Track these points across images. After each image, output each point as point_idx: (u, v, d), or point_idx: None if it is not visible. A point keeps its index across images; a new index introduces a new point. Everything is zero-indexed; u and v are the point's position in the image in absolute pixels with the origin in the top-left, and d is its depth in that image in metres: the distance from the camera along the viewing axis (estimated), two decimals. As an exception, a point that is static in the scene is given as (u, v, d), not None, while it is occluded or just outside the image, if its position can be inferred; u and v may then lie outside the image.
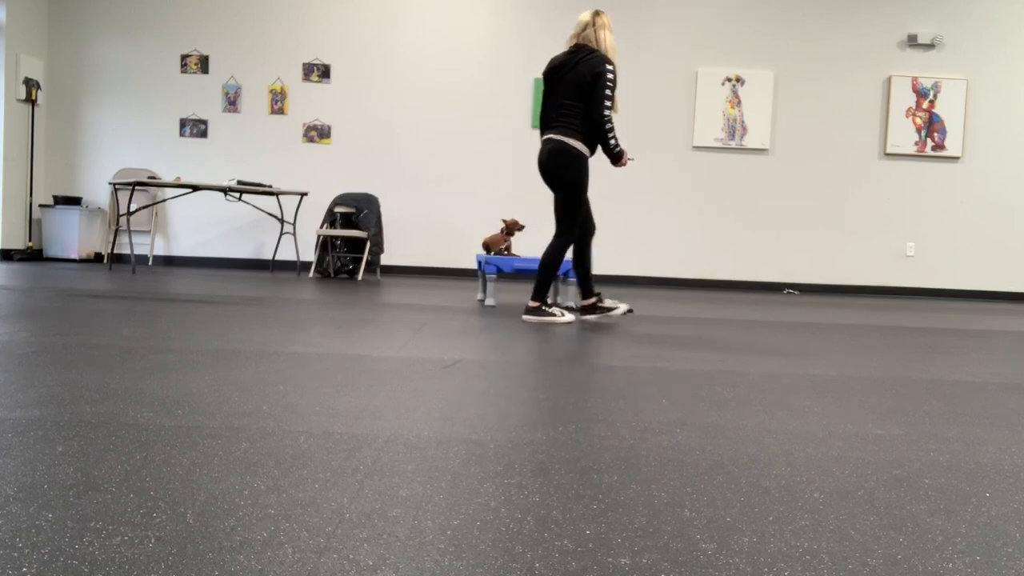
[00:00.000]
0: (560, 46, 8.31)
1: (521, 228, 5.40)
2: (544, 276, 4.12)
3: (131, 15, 8.43)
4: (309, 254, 8.29)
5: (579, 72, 3.97)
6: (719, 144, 8.43)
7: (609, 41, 4.07)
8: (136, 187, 6.76)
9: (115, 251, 8.35)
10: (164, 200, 7.48)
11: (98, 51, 8.45)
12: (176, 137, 8.46)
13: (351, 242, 7.63)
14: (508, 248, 5.32)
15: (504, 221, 5.37)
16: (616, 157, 4.09)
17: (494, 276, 4.98)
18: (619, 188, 8.46)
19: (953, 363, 3.18)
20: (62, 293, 4.62)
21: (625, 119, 8.45)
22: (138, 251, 8.49)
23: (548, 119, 4.14)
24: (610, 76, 3.96)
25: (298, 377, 2.29)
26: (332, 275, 7.63)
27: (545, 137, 4.16)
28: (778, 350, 3.37)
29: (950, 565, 1.10)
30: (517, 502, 1.29)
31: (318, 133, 8.44)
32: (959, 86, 8.44)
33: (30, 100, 8.15)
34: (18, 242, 8.19)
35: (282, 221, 7.94)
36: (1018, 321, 5.59)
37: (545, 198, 8.45)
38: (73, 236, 8.15)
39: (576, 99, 3.99)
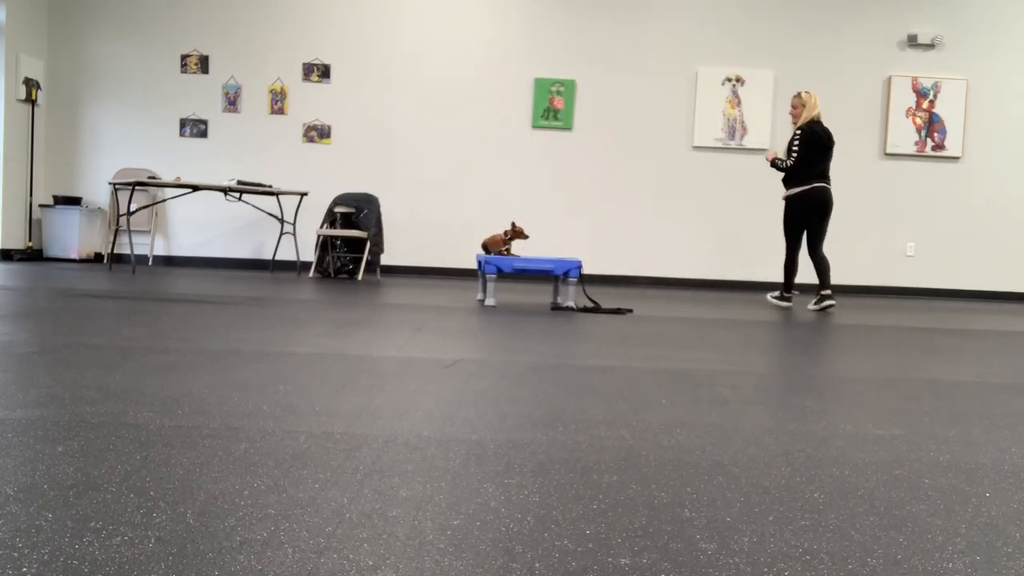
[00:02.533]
0: (559, 46, 8.33)
1: (526, 237, 5.42)
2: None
3: (131, 15, 8.43)
4: (309, 254, 8.29)
5: (833, 143, 5.95)
6: (719, 144, 8.43)
7: None
8: (136, 187, 6.76)
9: (115, 251, 8.35)
10: (164, 200, 7.48)
11: (98, 51, 8.45)
12: (176, 137, 8.46)
13: (351, 242, 7.63)
14: (507, 249, 5.32)
15: (513, 225, 5.37)
16: None
17: (494, 276, 4.98)
18: (619, 188, 8.46)
19: (953, 363, 3.19)
20: (62, 293, 4.62)
21: (625, 119, 8.46)
22: (138, 251, 8.49)
23: (817, 171, 5.90)
24: None
25: (298, 377, 2.29)
26: (332, 275, 7.63)
27: (820, 186, 5.90)
28: (778, 350, 3.37)
29: (950, 565, 1.10)
30: (517, 502, 1.29)
31: (318, 133, 8.44)
32: (959, 86, 8.44)
33: (30, 100, 8.15)
34: (18, 242, 8.19)
35: (282, 221, 7.95)
36: (1018, 321, 5.59)
37: (545, 199, 8.45)
38: (73, 236, 8.15)
39: (829, 160, 5.99)
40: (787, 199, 5.98)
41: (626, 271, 8.50)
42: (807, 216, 5.89)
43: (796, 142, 5.85)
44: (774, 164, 5.96)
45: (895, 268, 8.57)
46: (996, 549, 1.17)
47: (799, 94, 6.02)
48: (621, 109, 8.44)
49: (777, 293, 6.15)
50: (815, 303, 5.85)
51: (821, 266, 5.85)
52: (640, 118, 8.45)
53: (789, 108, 6.34)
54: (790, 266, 6.05)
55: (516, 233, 5.35)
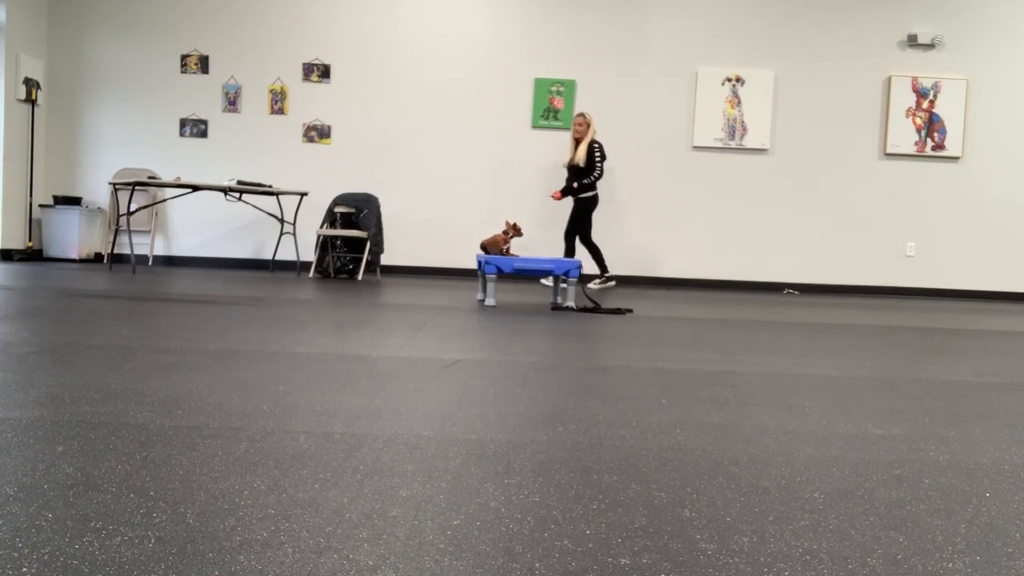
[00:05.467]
0: (559, 46, 8.33)
1: (520, 234, 5.42)
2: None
3: (131, 15, 8.43)
4: (309, 254, 8.29)
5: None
6: (719, 144, 8.43)
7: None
8: (136, 187, 6.76)
9: (115, 251, 8.35)
10: (164, 200, 7.49)
11: (98, 51, 8.45)
12: (176, 137, 8.46)
13: (351, 242, 7.63)
14: (507, 249, 5.32)
15: (507, 223, 5.38)
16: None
17: (494, 276, 4.98)
18: (619, 188, 8.46)
19: (953, 363, 3.19)
20: (62, 293, 4.62)
21: (625, 119, 8.46)
22: (138, 251, 8.49)
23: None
24: None
25: (298, 377, 2.29)
26: (332, 275, 7.63)
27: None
28: (778, 350, 3.37)
29: (950, 565, 1.10)
30: (517, 502, 1.29)
31: (318, 133, 8.43)
32: (959, 86, 8.44)
33: (30, 100, 8.15)
34: (18, 242, 8.19)
35: (282, 221, 7.94)
36: (1018, 321, 5.59)
37: (545, 199, 8.46)
38: (73, 236, 8.15)
39: None
40: (586, 200, 7.31)
41: (626, 271, 8.50)
42: (592, 213, 7.43)
43: (598, 154, 7.23)
44: (582, 184, 7.21)
45: (895, 268, 8.57)
46: (996, 549, 1.17)
47: (583, 114, 7.31)
48: (621, 109, 8.44)
49: (602, 278, 7.53)
50: (599, 282, 7.50)
51: (598, 251, 7.44)
52: (640, 118, 8.45)
53: (574, 125, 7.34)
54: (595, 250, 7.46)
55: (515, 230, 5.36)
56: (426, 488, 1.34)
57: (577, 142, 7.31)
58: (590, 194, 7.30)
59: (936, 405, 2.28)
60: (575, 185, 7.24)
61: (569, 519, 1.22)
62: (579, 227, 7.36)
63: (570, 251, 7.43)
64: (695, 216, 8.51)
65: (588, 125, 7.26)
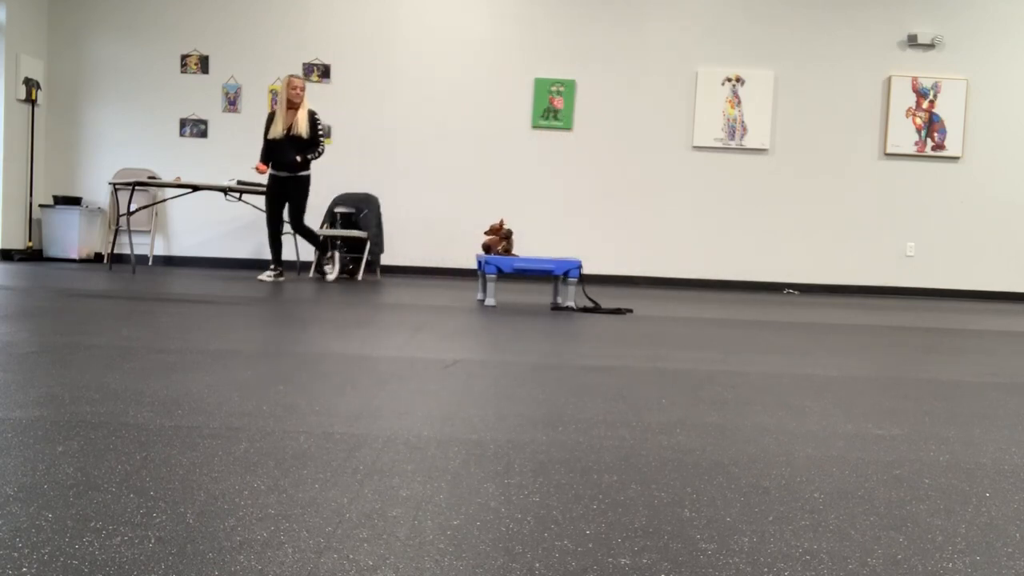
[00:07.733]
0: (559, 46, 8.33)
1: (508, 234, 5.35)
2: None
3: (131, 15, 8.42)
4: (309, 254, 8.29)
5: None
6: (719, 144, 8.43)
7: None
8: (136, 187, 6.76)
9: (115, 251, 8.35)
10: (164, 200, 7.48)
11: (98, 51, 8.45)
12: (176, 137, 8.46)
13: (351, 242, 7.63)
14: (508, 249, 5.32)
15: (494, 228, 5.31)
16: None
17: (494, 276, 4.98)
18: (619, 188, 8.46)
19: (953, 363, 3.18)
20: (62, 293, 4.62)
21: (625, 119, 8.45)
22: (138, 251, 8.49)
23: None
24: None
25: (298, 377, 2.28)
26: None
27: None
28: (778, 350, 3.37)
29: (950, 565, 1.10)
30: (517, 502, 1.29)
31: (318, 133, 8.43)
32: (959, 86, 8.44)
33: (30, 100, 8.15)
34: (18, 242, 8.19)
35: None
36: (1018, 321, 5.59)
37: (545, 199, 8.46)
38: (73, 236, 8.14)
39: None
40: (309, 177, 6.51)
41: (626, 271, 8.50)
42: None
43: (321, 128, 6.43)
44: (307, 159, 6.33)
45: (895, 268, 8.57)
46: (996, 549, 1.17)
47: (300, 76, 6.45)
48: (621, 109, 8.44)
49: (278, 271, 6.57)
50: (280, 275, 6.54)
51: (312, 238, 6.70)
52: (640, 118, 8.44)
53: (290, 88, 6.32)
54: (311, 235, 6.67)
55: (495, 231, 5.28)
56: (426, 488, 1.34)
57: (292, 107, 6.34)
58: (307, 172, 6.49)
59: (936, 405, 2.28)
60: (299, 159, 6.32)
61: (569, 519, 1.22)
62: (303, 209, 6.55)
63: (311, 236, 6.67)
64: (695, 216, 8.51)
65: (304, 90, 6.40)
